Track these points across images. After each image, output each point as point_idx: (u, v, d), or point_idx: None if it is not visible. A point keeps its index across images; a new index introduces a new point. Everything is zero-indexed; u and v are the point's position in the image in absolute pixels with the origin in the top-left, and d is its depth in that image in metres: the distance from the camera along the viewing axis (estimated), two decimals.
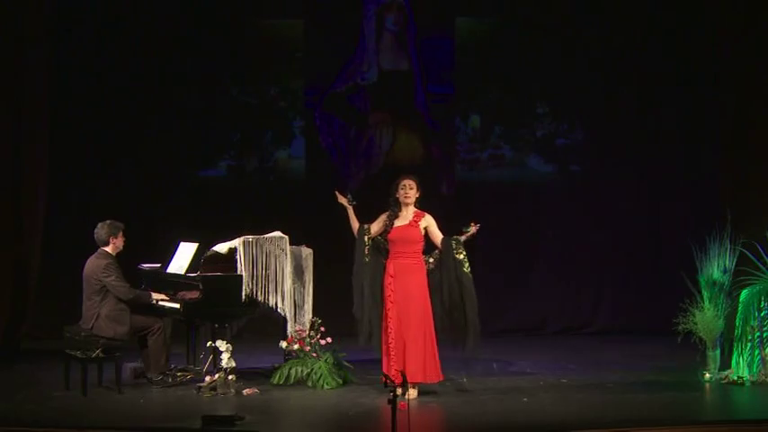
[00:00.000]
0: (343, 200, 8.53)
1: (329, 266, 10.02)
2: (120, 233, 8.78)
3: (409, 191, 8.39)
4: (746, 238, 8.99)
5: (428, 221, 8.41)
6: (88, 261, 8.71)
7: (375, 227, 8.49)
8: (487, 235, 11.75)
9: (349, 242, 11.25)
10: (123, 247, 8.81)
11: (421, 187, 8.46)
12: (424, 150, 12.01)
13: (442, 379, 8.47)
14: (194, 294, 8.69)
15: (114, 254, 8.73)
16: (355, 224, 8.51)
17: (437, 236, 8.40)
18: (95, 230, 8.76)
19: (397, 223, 8.43)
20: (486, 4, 11.96)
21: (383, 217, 8.49)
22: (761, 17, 10.79)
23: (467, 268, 8.32)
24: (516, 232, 11.88)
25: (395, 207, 8.45)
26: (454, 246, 8.31)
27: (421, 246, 8.42)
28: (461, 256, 8.31)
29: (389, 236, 8.41)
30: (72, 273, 9.45)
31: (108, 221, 8.79)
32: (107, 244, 8.72)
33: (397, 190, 8.44)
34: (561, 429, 7.44)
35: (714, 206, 10.50)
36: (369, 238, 8.45)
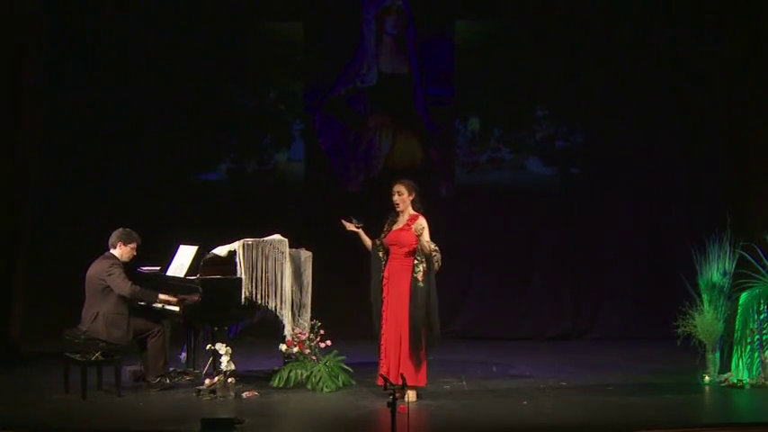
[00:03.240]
0: (350, 226, 8.45)
1: (328, 269, 10.03)
2: (133, 244, 8.74)
3: (398, 197, 8.36)
4: (746, 241, 8.99)
5: (418, 225, 8.26)
6: (93, 263, 8.71)
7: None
8: (486, 238, 11.86)
9: (348, 244, 11.29)
10: (130, 259, 8.80)
11: (414, 190, 8.38)
12: (423, 153, 12.01)
13: (424, 383, 8.38)
14: (194, 297, 8.69)
15: (120, 259, 8.72)
16: (368, 242, 8.47)
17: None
18: (112, 232, 8.78)
19: (395, 228, 8.41)
20: (485, 6, 11.96)
21: (385, 224, 8.48)
22: (761, 18, 10.79)
23: (416, 273, 8.23)
24: (515, 235, 11.87)
25: (392, 212, 8.43)
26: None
27: (414, 248, 8.35)
28: (415, 261, 8.26)
29: (386, 240, 8.40)
30: (70, 275, 9.47)
31: (128, 230, 8.77)
32: (114, 247, 8.72)
33: (391, 196, 8.43)
34: None
35: (714, 209, 10.50)
36: (383, 254, 8.42)
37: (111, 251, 8.73)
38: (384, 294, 8.35)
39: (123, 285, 8.56)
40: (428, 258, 8.22)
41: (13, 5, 10.55)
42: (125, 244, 8.74)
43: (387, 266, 8.38)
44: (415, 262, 8.23)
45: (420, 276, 8.22)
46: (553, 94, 11.92)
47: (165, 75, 11.75)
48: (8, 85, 10.50)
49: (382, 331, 8.33)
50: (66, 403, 8.26)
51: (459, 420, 7.75)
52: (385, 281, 8.36)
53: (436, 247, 8.24)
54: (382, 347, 8.33)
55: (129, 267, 8.96)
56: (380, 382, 8.03)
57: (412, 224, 8.29)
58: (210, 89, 11.96)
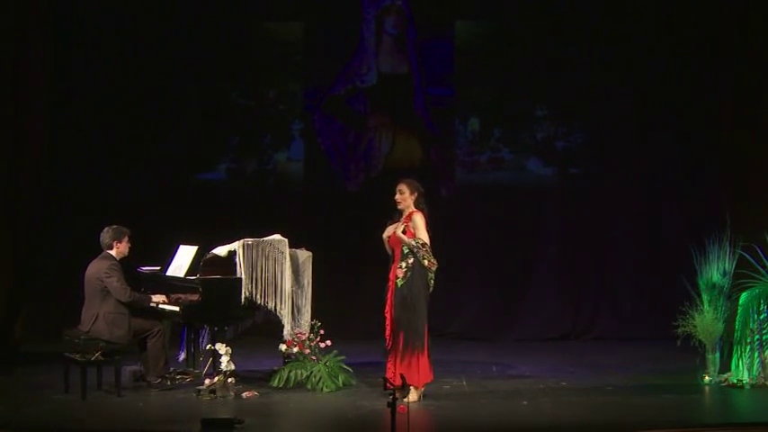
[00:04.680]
0: (392, 231, 8.28)
1: (328, 269, 10.02)
2: (126, 239, 8.77)
3: (399, 195, 8.32)
4: (746, 241, 8.98)
5: (413, 222, 8.24)
6: (91, 263, 8.71)
7: None
8: (486, 238, 11.86)
9: (348, 245, 11.31)
10: (128, 252, 8.81)
11: (417, 189, 8.28)
12: (423, 153, 12.00)
13: (428, 381, 8.34)
14: (194, 297, 8.69)
15: (118, 258, 8.73)
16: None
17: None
18: (101, 234, 8.76)
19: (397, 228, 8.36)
20: (485, 7, 11.95)
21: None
22: (760, 18, 10.79)
23: (398, 271, 8.22)
24: (515, 235, 11.86)
25: (397, 212, 8.39)
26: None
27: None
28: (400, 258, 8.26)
29: (389, 242, 8.37)
30: (69, 276, 9.47)
31: (114, 226, 8.78)
32: (111, 248, 8.73)
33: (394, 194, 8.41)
34: None
35: (713, 209, 10.50)
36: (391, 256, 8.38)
37: (108, 251, 8.73)
38: (388, 296, 8.33)
39: (122, 292, 8.56)
40: (414, 256, 8.18)
41: (15, 7, 10.57)
42: (119, 241, 8.74)
43: (392, 268, 8.35)
44: (400, 259, 8.22)
45: (401, 274, 8.20)
46: (553, 94, 11.91)
47: (164, 75, 11.75)
48: (10, 88, 10.50)
49: (386, 334, 8.31)
50: (66, 403, 8.26)
51: (459, 421, 7.75)
52: (390, 283, 8.33)
53: (417, 244, 8.13)
54: (387, 349, 8.30)
55: (129, 267, 8.97)
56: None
57: (408, 222, 8.27)
58: (210, 89, 11.96)
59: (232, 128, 12.07)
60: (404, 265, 8.19)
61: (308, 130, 12.05)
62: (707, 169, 11.59)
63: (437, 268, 8.23)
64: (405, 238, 8.18)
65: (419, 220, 8.22)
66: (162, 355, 8.80)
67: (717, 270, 8.99)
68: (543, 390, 8.77)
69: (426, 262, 8.16)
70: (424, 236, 8.19)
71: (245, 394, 8.45)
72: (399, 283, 8.19)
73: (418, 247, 8.15)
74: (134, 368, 8.98)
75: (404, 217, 8.31)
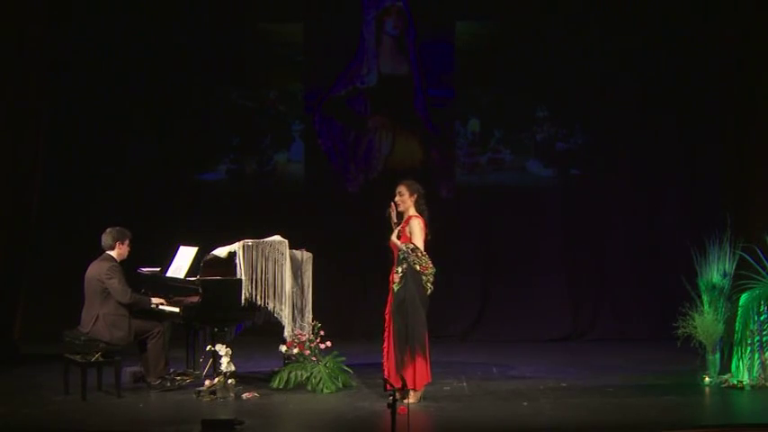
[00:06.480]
0: (393, 215, 8.32)
1: (328, 270, 10.02)
2: (127, 241, 8.76)
3: (399, 197, 8.30)
4: (746, 242, 8.99)
5: (410, 227, 8.23)
6: (91, 265, 8.70)
7: None
8: (486, 239, 11.86)
9: (348, 245, 11.32)
10: (128, 255, 8.81)
11: (416, 191, 8.27)
12: (423, 154, 12.00)
13: (426, 382, 8.31)
14: (194, 298, 8.68)
15: (118, 260, 8.72)
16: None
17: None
18: (103, 234, 8.76)
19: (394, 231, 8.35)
20: (485, 7, 11.96)
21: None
22: (762, 18, 10.79)
23: (394, 275, 8.23)
24: (515, 236, 11.86)
25: (399, 214, 8.38)
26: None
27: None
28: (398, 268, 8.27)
29: (390, 244, 8.36)
30: (69, 276, 9.46)
31: (117, 228, 8.78)
32: (112, 248, 8.72)
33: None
34: None
35: (714, 210, 10.49)
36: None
37: (109, 252, 8.73)
38: (389, 299, 8.32)
39: (123, 293, 8.56)
40: (407, 260, 8.16)
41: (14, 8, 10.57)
42: (122, 243, 8.74)
43: (391, 271, 8.33)
44: (396, 264, 8.22)
45: (396, 279, 8.18)
46: (553, 95, 11.91)
47: (165, 75, 11.75)
48: (11, 88, 10.50)
49: (384, 335, 8.32)
50: (66, 404, 8.27)
51: (460, 422, 7.75)
52: (391, 285, 8.31)
53: (407, 249, 8.12)
54: (384, 351, 8.31)
55: (129, 267, 8.97)
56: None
57: (405, 226, 8.26)
58: (210, 89, 11.96)
59: (232, 128, 12.08)
60: (399, 269, 8.19)
61: (309, 131, 12.05)
62: (707, 170, 11.59)
63: (434, 271, 8.22)
64: (398, 243, 8.19)
65: (416, 226, 8.21)
66: (162, 357, 8.80)
67: (717, 271, 8.99)
68: (543, 391, 8.77)
69: (418, 267, 8.15)
70: (417, 241, 8.18)
71: (245, 395, 8.45)
72: (395, 287, 8.19)
73: (408, 252, 8.14)
74: (134, 369, 8.98)
75: (403, 221, 8.31)
